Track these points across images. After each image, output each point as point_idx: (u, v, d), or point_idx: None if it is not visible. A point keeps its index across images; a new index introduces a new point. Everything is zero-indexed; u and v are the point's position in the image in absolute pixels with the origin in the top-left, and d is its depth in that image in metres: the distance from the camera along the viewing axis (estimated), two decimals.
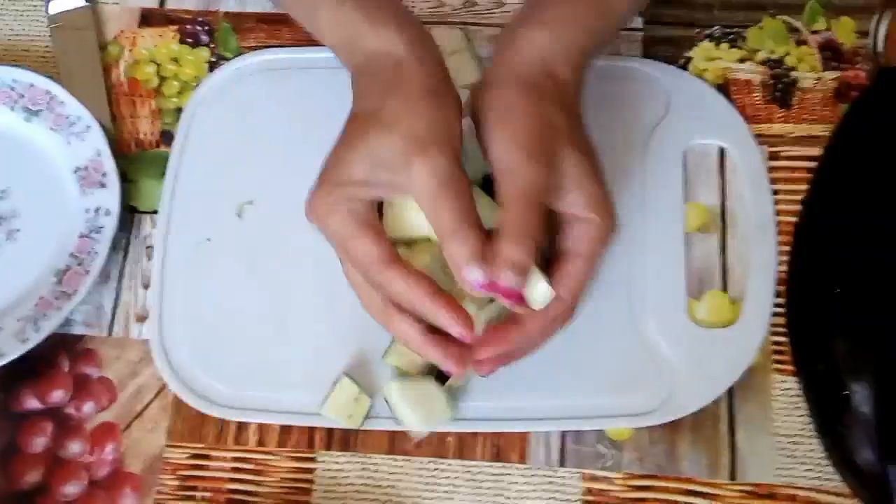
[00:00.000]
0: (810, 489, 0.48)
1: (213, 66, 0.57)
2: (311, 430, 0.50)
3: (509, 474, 0.49)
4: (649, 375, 0.49)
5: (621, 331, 0.50)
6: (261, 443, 0.50)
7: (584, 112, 0.44)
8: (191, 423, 0.50)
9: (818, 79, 0.54)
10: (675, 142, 0.53)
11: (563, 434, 0.50)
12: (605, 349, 0.50)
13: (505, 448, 0.49)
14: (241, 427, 0.50)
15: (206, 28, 0.58)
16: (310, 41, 0.54)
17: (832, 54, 0.55)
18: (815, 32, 0.55)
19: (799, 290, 0.50)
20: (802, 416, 0.49)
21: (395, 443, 0.50)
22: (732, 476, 0.48)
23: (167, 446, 0.50)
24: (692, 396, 0.49)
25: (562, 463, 0.49)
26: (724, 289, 0.51)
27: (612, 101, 0.54)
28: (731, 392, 0.49)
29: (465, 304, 0.42)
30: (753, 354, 0.49)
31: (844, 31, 0.55)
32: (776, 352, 0.50)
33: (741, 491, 0.48)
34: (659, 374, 0.49)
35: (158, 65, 0.57)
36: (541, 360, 0.49)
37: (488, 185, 0.42)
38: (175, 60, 0.57)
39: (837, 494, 0.47)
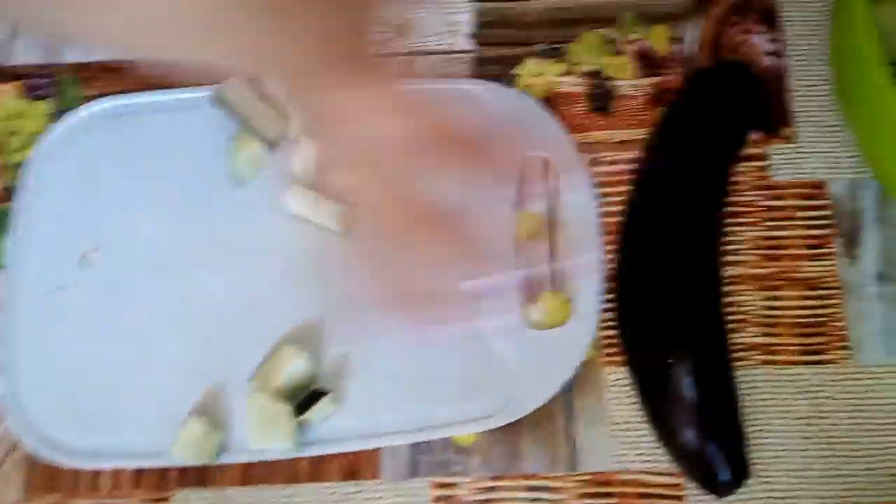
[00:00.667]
0: (642, 472, 0.51)
1: (56, 117, 0.59)
2: (166, 470, 0.52)
3: (362, 491, 0.52)
4: (490, 380, 0.53)
5: (461, 340, 0.53)
6: (115, 487, 0.52)
7: None
8: (46, 475, 0.52)
9: (636, 85, 0.58)
10: (503, 156, 0.56)
11: (412, 446, 0.53)
12: (447, 360, 0.53)
13: (358, 466, 0.52)
14: (97, 474, 0.52)
15: (51, 80, 0.60)
16: (155, 85, 0.56)
17: (648, 61, 0.59)
18: (631, 42, 0.59)
19: (623, 285, 0.54)
20: (633, 404, 0.53)
21: (250, 472, 0.52)
22: (572, 468, 0.52)
23: (22, 501, 0.52)
24: (531, 396, 0.52)
25: (412, 474, 0.52)
26: (556, 291, 0.55)
27: None
28: (566, 388, 0.53)
29: None
30: (585, 350, 0.53)
31: (658, 39, 0.59)
32: (607, 346, 0.54)
33: (580, 481, 0.51)
34: (499, 378, 0.52)
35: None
36: (388, 375, 0.52)
37: None
38: (18, 115, 0.59)
39: (667, 475, 0.51)
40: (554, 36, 0.60)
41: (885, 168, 0.53)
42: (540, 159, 0.57)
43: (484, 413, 0.52)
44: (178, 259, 0.55)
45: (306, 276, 0.54)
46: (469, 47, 0.60)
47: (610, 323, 0.54)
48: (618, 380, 0.53)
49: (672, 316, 0.52)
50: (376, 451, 0.52)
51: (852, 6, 0.46)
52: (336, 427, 0.52)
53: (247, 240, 0.55)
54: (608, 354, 0.54)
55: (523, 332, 0.53)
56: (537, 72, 0.59)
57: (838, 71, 0.55)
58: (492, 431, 0.52)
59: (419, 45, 0.60)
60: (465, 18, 0.60)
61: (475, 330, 0.53)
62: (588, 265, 0.55)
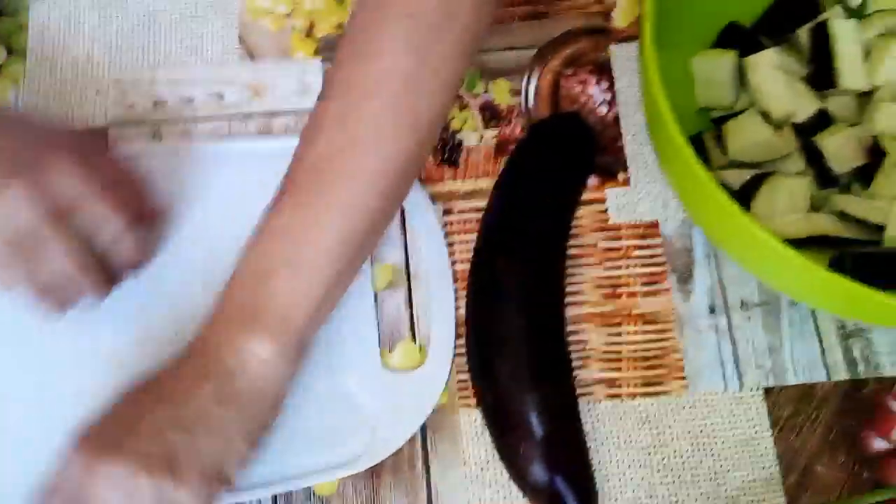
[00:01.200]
0: None
1: None
2: None
3: None
4: (351, 427, 0.55)
5: (323, 389, 0.55)
6: None
7: None
8: None
9: (481, 137, 0.62)
10: None
11: (275, 498, 0.54)
12: (309, 409, 0.55)
13: None
14: None
15: None
16: None
17: (491, 114, 0.62)
18: (475, 96, 0.63)
19: (474, 329, 0.57)
20: (487, 444, 0.55)
21: None
22: None
23: None
24: (389, 440, 0.54)
25: None
26: (413, 338, 0.57)
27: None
28: (424, 432, 0.55)
29: None
30: (440, 394, 0.56)
31: (501, 92, 0.63)
32: (461, 388, 0.56)
33: None
34: (359, 424, 0.55)
35: None
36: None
37: None
38: None
39: None
40: None
41: (691, 210, 0.58)
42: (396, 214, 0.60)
43: (346, 459, 0.54)
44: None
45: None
46: None
47: (463, 367, 0.57)
48: (473, 421, 0.56)
49: (519, 357, 0.55)
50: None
51: (646, 63, 0.50)
52: None
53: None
54: (462, 398, 0.56)
55: (381, 377, 0.56)
56: None
57: (648, 121, 0.60)
58: (353, 479, 0.54)
59: (272, 105, 0.62)
60: (315, 79, 0.63)
61: (334, 378, 0.56)
62: (442, 312, 0.58)
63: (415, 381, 0.56)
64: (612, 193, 0.60)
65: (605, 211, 0.60)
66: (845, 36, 0.57)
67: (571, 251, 0.59)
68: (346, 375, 0.56)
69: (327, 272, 0.47)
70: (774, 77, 0.57)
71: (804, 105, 0.57)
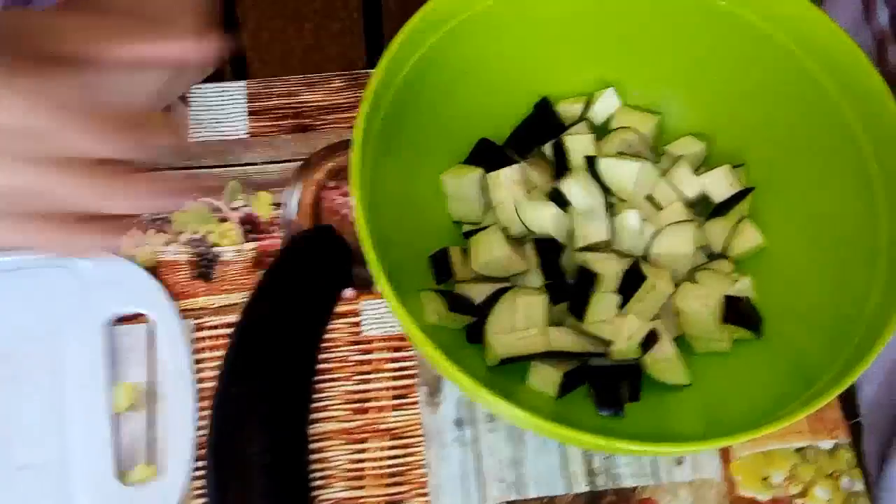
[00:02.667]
0: None
1: None
2: None
3: None
4: None
5: None
6: None
7: None
8: None
9: (238, 251, 0.64)
10: (94, 327, 0.59)
11: None
12: None
13: None
14: None
15: None
16: None
17: (251, 227, 0.64)
18: (235, 209, 0.65)
19: (213, 451, 0.57)
20: None
21: None
22: None
23: None
24: None
25: None
26: (151, 460, 0.57)
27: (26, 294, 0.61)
28: None
29: None
30: None
31: (262, 205, 0.65)
32: None
33: None
34: None
35: None
36: None
37: None
38: None
39: None
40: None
41: None
42: (142, 327, 0.61)
43: None
44: None
45: None
46: None
47: (201, 490, 0.58)
48: None
49: (255, 482, 0.56)
50: None
51: (352, 182, 0.51)
52: None
53: None
54: None
55: (115, 498, 0.56)
56: (140, 242, 0.63)
57: None
58: None
59: None
60: None
61: (63, 495, 0.56)
62: (182, 434, 0.58)
63: (148, 499, 0.56)
64: (368, 306, 0.62)
65: (359, 324, 0.62)
66: (579, 152, 0.60)
67: (322, 365, 0.61)
68: (76, 494, 0.56)
69: None
70: (514, 194, 0.60)
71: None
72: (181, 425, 0.58)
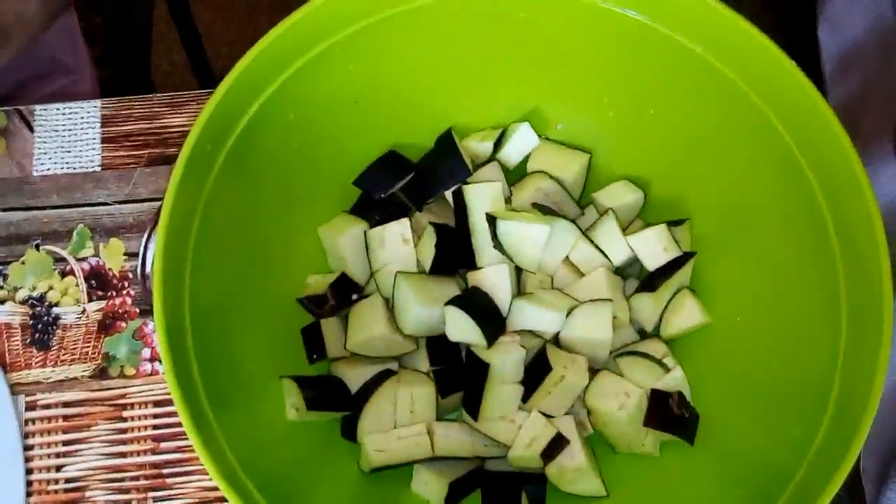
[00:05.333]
0: None
1: None
2: None
3: None
4: None
5: None
6: None
7: None
8: None
9: (83, 311, 0.57)
10: None
11: None
12: None
13: None
14: None
15: None
16: None
17: (98, 282, 0.57)
18: (81, 260, 0.58)
19: None
20: None
21: None
22: None
23: None
24: None
25: None
26: None
27: None
28: None
29: None
30: None
31: (113, 256, 0.57)
32: None
33: None
34: None
35: None
36: None
37: None
38: None
39: None
40: None
41: None
42: None
43: None
44: None
45: None
46: None
47: None
48: None
49: None
50: None
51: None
52: None
53: None
54: None
55: None
56: None
57: None
58: None
59: None
60: None
61: None
62: None
63: None
64: None
65: None
66: (482, 206, 0.51)
67: (174, 455, 0.54)
68: None
69: None
70: (403, 255, 0.53)
71: (432, 295, 0.51)
72: None
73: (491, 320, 0.50)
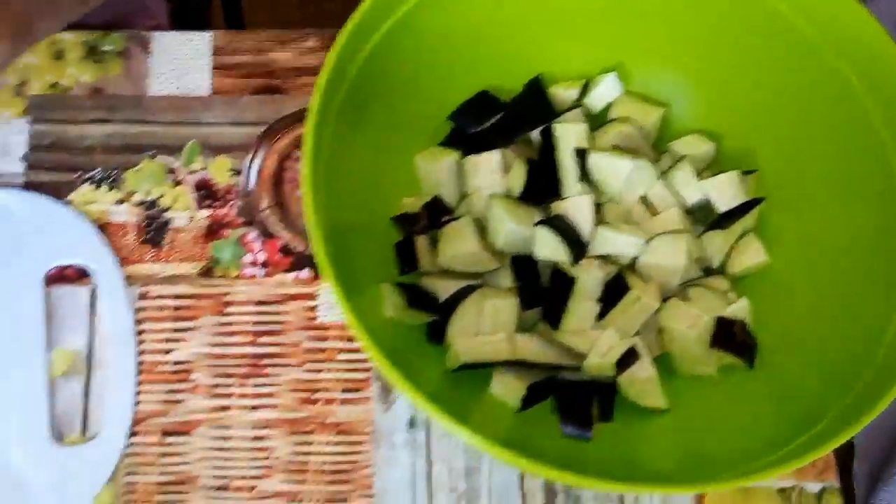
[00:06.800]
0: None
1: None
2: None
3: None
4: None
5: None
6: None
7: None
8: None
9: (191, 218, 0.65)
10: (32, 279, 0.61)
11: None
12: None
13: None
14: None
15: None
16: None
17: (206, 193, 0.65)
18: (192, 172, 0.66)
19: None
20: None
21: None
22: None
23: None
24: None
25: None
26: (88, 427, 0.59)
27: None
28: None
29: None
30: (98, 491, 0.57)
31: (219, 170, 0.65)
32: (126, 492, 0.58)
33: None
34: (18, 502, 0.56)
35: None
36: None
37: None
38: None
39: None
40: (112, 162, 0.64)
41: None
42: (86, 292, 0.62)
43: None
44: None
45: None
46: (20, 171, 0.64)
47: (132, 468, 0.58)
48: None
49: None
50: None
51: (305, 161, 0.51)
52: None
53: None
54: (126, 502, 0.57)
55: (50, 458, 0.58)
56: (91, 199, 0.63)
57: None
58: None
59: None
60: (19, 140, 0.64)
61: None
62: (119, 405, 0.59)
63: (83, 459, 0.58)
64: (325, 290, 0.62)
65: (315, 308, 0.62)
66: (570, 143, 0.59)
67: (271, 349, 0.62)
68: (9, 450, 0.58)
69: None
70: (493, 184, 0.60)
71: (521, 216, 0.59)
72: (120, 394, 0.59)
73: (575, 242, 0.58)
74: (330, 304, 0.63)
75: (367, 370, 0.61)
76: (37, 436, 0.58)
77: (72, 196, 0.64)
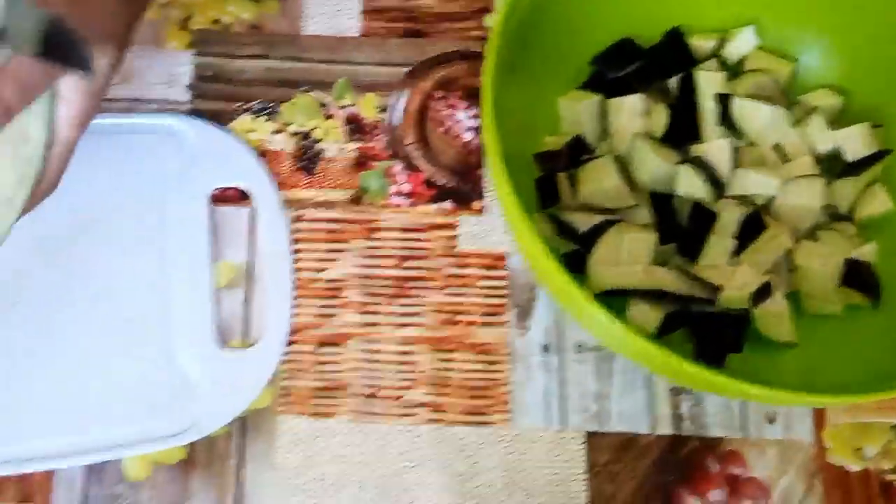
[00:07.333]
0: None
1: None
2: None
3: None
4: (175, 399, 0.62)
5: (151, 364, 0.62)
6: None
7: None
8: None
9: (341, 149, 0.70)
10: (198, 198, 0.66)
11: (86, 476, 0.60)
12: (133, 379, 0.62)
13: (30, 492, 0.60)
14: None
15: None
16: None
17: (355, 127, 0.70)
18: (342, 107, 0.71)
19: None
20: (302, 451, 0.62)
21: None
22: None
23: None
24: (215, 416, 0.61)
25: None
26: (247, 336, 0.64)
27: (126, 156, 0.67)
28: (242, 432, 0.62)
29: None
30: (259, 393, 0.62)
31: (368, 106, 0.70)
32: (283, 395, 0.63)
33: None
34: (184, 398, 0.62)
35: None
36: (67, 395, 0.61)
37: None
38: None
39: None
40: (269, 95, 0.69)
41: (522, 252, 0.64)
42: (245, 213, 0.67)
43: (166, 433, 0.61)
44: None
45: None
46: (186, 99, 0.69)
47: (288, 374, 0.63)
48: (289, 428, 0.62)
49: None
50: (49, 478, 0.60)
51: (483, 97, 0.55)
52: (9, 452, 0.60)
53: None
54: (283, 404, 0.62)
55: (213, 356, 0.63)
56: (250, 128, 0.68)
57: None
58: (166, 468, 0.61)
59: (138, 93, 0.70)
60: (184, 70, 0.69)
61: (165, 350, 0.63)
62: (276, 315, 0.64)
63: (246, 362, 0.63)
64: (465, 221, 0.67)
65: (455, 238, 0.67)
66: (710, 89, 0.63)
67: (416, 272, 0.66)
68: (177, 351, 0.63)
69: None
70: (634, 125, 0.64)
71: (665, 155, 0.63)
72: (278, 305, 0.64)
73: (715, 182, 0.62)
74: (469, 234, 0.67)
75: (503, 297, 0.66)
76: (203, 339, 0.63)
77: (233, 125, 0.69)
